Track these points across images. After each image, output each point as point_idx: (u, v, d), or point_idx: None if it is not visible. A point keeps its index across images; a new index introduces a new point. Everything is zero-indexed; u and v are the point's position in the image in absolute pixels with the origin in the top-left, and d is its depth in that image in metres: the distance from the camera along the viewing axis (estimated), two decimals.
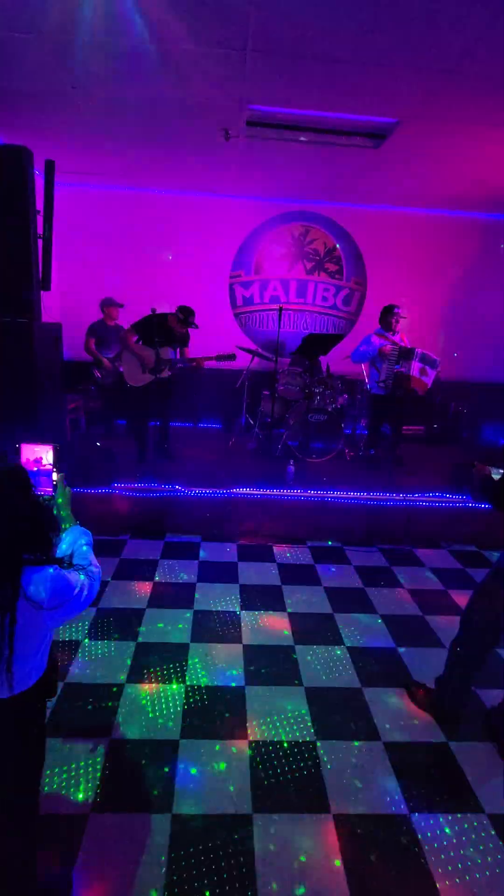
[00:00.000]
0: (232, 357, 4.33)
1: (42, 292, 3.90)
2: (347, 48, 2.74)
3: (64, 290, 5.78)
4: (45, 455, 1.50)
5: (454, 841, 1.73)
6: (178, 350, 4.45)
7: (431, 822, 1.79)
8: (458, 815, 1.82)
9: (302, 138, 4.02)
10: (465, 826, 1.78)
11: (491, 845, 1.72)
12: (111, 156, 4.75)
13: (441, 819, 1.80)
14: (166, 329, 4.25)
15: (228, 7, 2.44)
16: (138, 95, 3.42)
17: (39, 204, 3.68)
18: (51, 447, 1.49)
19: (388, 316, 4.60)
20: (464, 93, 3.13)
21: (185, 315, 4.29)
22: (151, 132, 4.07)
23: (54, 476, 1.49)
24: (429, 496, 4.11)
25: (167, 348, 4.27)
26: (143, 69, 3.07)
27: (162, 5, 2.45)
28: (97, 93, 3.43)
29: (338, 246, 6.17)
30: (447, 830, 1.77)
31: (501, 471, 1.98)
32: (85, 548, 1.37)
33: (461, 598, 3.23)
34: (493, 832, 1.77)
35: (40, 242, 3.76)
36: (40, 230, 3.72)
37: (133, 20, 2.58)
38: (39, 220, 3.71)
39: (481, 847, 1.72)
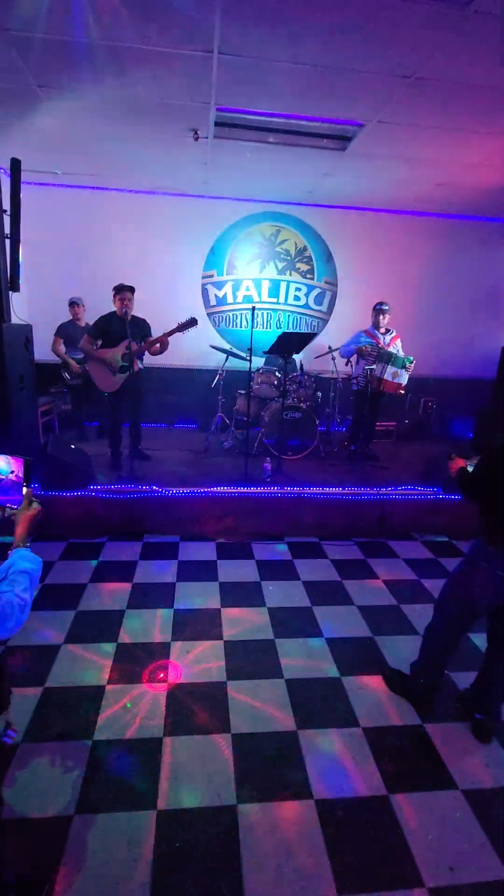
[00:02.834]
0: (194, 322, 4.17)
1: (11, 293, 3.84)
2: (310, 53, 2.80)
3: (33, 291, 5.69)
4: (15, 466, 1.46)
5: (430, 818, 1.81)
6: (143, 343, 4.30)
7: (408, 801, 1.86)
8: (434, 793, 1.90)
9: (270, 139, 4.07)
10: (440, 803, 1.86)
11: (464, 819, 1.81)
12: (79, 155, 4.69)
13: (417, 798, 1.88)
14: (118, 319, 4.17)
15: (194, 11, 2.46)
16: (105, 94, 3.40)
17: (6, 204, 3.62)
18: (22, 460, 1.45)
19: (374, 313, 4.79)
20: (423, 99, 3.23)
21: (116, 290, 4.17)
22: (120, 131, 4.05)
23: (24, 490, 1.43)
24: (401, 489, 4.23)
25: (127, 343, 4.09)
26: (110, 68, 3.06)
27: (126, 5, 2.46)
28: (63, 91, 3.39)
29: (308, 246, 6.26)
30: (423, 807, 1.84)
31: (475, 463, 2.07)
32: (21, 575, 1.22)
33: (434, 587, 3.35)
34: (466, 806, 1.85)
35: (7, 243, 3.70)
36: (7, 230, 3.66)
37: (97, 19, 2.58)
38: (6, 220, 3.65)
39: (455, 821, 1.80)
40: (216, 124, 3.82)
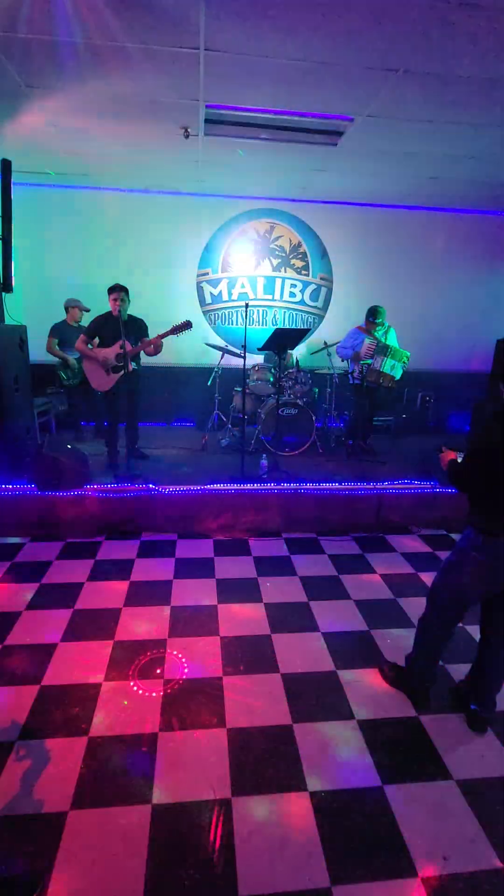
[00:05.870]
0: (188, 325, 4.16)
1: (4, 294, 3.85)
2: (297, 49, 2.79)
3: (26, 292, 5.69)
4: None
5: (424, 808, 1.81)
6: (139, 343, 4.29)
7: (402, 791, 1.87)
8: (428, 784, 1.91)
9: (261, 136, 4.06)
10: (434, 793, 1.87)
11: (458, 809, 1.81)
12: (69, 155, 4.69)
13: (412, 788, 1.89)
14: (112, 319, 4.16)
15: (177, 9, 2.45)
16: (94, 94, 3.40)
17: None
18: None
19: (367, 317, 4.79)
20: (411, 92, 3.22)
21: (110, 290, 4.16)
22: (110, 130, 4.05)
23: None
24: (399, 483, 4.23)
25: (122, 342, 4.03)
26: (97, 68, 3.06)
27: (111, 4, 2.46)
28: (51, 91, 3.39)
29: (303, 242, 6.25)
30: (417, 798, 1.85)
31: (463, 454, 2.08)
32: None
33: (431, 580, 3.35)
34: (460, 797, 1.86)
35: None
36: None
37: (82, 18, 2.58)
38: None
39: (449, 812, 1.80)
40: (206, 121, 3.82)
